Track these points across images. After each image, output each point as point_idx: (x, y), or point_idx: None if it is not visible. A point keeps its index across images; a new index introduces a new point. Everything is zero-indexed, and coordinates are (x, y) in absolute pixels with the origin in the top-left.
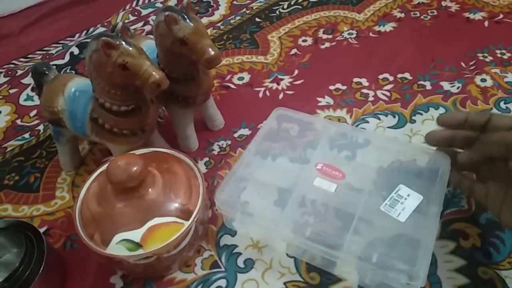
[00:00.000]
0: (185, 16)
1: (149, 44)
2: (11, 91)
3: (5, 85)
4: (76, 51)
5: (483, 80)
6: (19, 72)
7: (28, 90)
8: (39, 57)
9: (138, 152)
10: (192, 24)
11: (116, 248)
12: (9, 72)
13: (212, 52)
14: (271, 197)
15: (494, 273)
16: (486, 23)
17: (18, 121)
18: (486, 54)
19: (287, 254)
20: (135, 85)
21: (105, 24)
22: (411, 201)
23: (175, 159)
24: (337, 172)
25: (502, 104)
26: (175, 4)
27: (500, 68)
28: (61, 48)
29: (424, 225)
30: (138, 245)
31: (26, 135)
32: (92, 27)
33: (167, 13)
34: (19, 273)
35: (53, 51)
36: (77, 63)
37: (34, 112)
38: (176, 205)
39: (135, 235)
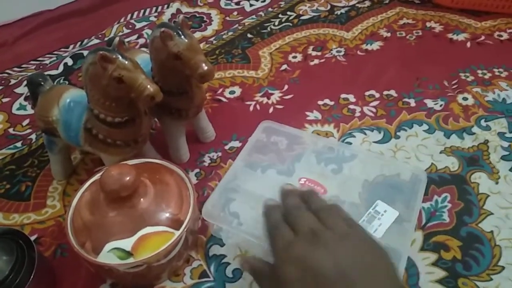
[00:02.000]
0: (180, 33)
1: (143, 58)
2: (4, 100)
3: None
4: (70, 62)
5: (465, 99)
6: (13, 81)
7: (21, 99)
8: (33, 67)
9: (131, 162)
10: (186, 40)
11: (107, 256)
12: (3, 81)
13: (206, 67)
14: (260, 209)
15: (474, 284)
16: (468, 44)
17: (11, 130)
18: (468, 74)
19: None
20: (130, 97)
21: (100, 36)
22: (387, 217)
23: (167, 170)
24: (320, 187)
25: (482, 122)
26: (169, 19)
27: (481, 87)
28: (55, 58)
29: (400, 238)
30: (129, 254)
31: (18, 144)
32: (86, 38)
33: (162, 29)
34: (9, 281)
35: (47, 62)
36: (71, 74)
37: (27, 121)
38: (167, 214)
39: (127, 243)
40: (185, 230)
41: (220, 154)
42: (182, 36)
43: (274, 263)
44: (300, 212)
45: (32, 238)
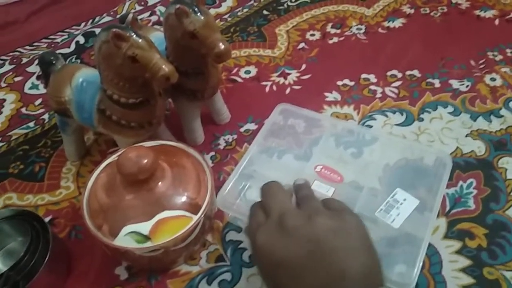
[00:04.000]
0: (196, 10)
1: (157, 36)
2: (16, 79)
3: (10, 73)
4: (82, 40)
5: (493, 79)
6: (24, 60)
7: (33, 79)
8: (45, 45)
9: (147, 144)
10: (202, 18)
11: (124, 240)
12: (14, 60)
13: (222, 47)
14: None
15: (500, 274)
16: (496, 22)
17: (23, 110)
18: (496, 53)
19: None
20: (144, 77)
21: (111, 13)
22: (406, 206)
23: (184, 153)
24: (336, 175)
25: (511, 104)
26: None
27: (510, 67)
28: (66, 36)
29: (421, 225)
30: (147, 238)
31: (31, 124)
32: (98, 16)
33: (178, 5)
34: (24, 262)
35: (59, 40)
36: (83, 52)
37: (39, 100)
38: (185, 199)
39: (144, 227)
40: (203, 215)
41: (235, 136)
42: (199, 13)
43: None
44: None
45: (47, 219)
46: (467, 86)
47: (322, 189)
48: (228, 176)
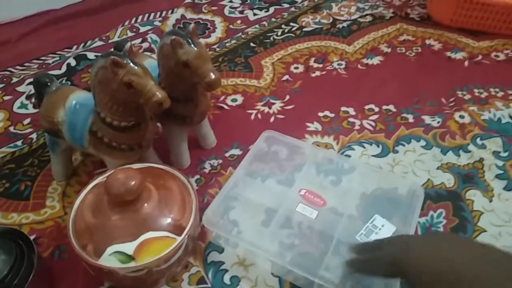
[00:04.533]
0: (190, 41)
1: (150, 63)
2: (6, 98)
3: (0, 92)
4: (73, 62)
5: (462, 117)
6: (14, 79)
7: (22, 98)
8: (36, 66)
9: (135, 166)
10: (196, 49)
11: (108, 259)
12: (4, 79)
13: (213, 76)
14: (259, 217)
15: None
16: (466, 63)
17: (11, 128)
18: (465, 92)
19: (272, 274)
20: (138, 102)
21: (103, 38)
22: (385, 231)
23: (170, 175)
24: (319, 199)
25: (478, 140)
26: (174, 25)
27: (477, 106)
28: (58, 58)
29: None
30: (131, 258)
31: (19, 143)
32: (90, 40)
33: (173, 37)
34: (8, 280)
35: (50, 61)
36: (74, 75)
37: (28, 120)
38: (170, 220)
39: (129, 247)
40: (187, 236)
41: (220, 161)
42: (192, 45)
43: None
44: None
45: (31, 238)
46: (438, 122)
47: (306, 212)
48: (213, 199)
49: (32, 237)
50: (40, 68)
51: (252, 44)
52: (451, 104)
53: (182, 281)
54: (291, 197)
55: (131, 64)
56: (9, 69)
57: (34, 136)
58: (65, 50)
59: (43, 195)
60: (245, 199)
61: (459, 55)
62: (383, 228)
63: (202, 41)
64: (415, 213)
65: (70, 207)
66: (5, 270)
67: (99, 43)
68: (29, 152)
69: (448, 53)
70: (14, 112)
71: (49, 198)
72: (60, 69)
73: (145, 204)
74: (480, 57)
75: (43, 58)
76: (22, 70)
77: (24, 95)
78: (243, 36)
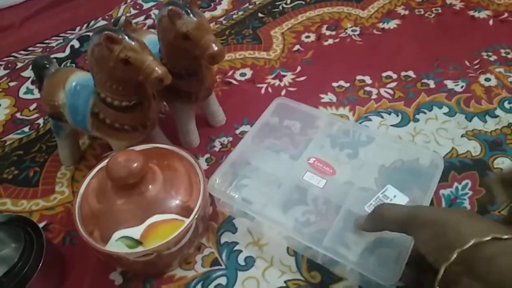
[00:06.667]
0: (189, 11)
1: (151, 39)
2: (11, 84)
3: (5, 78)
4: (77, 44)
5: (487, 80)
6: (19, 64)
7: (28, 83)
8: (40, 50)
9: (139, 148)
10: (195, 19)
11: (115, 245)
12: (9, 65)
13: (216, 48)
14: (273, 194)
15: None
16: (490, 22)
17: (18, 115)
18: (490, 53)
19: (287, 252)
20: (137, 80)
21: (106, 17)
22: (396, 203)
23: (176, 156)
24: (328, 168)
25: (506, 104)
26: None
27: (504, 67)
28: (61, 41)
29: None
30: (138, 242)
31: (26, 129)
32: (93, 20)
33: (170, 7)
34: (18, 268)
35: (54, 44)
36: (78, 57)
37: (34, 105)
38: (177, 202)
39: (135, 232)
40: (195, 217)
41: (231, 138)
42: (191, 15)
43: None
44: None
45: (41, 225)
46: (462, 87)
47: (314, 181)
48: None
49: (42, 224)
50: (44, 52)
51: (260, 15)
52: (476, 67)
53: (195, 263)
54: (299, 165)
55: (127, 39)
56: (13, 54)
57: (41, 121)
58: (68, 32)
59: (52, 181)
60: (258, 174)
61: (483, 14)
62: (394, 199)
63: (207, 14)
64: (432, 183)
65: (76, 192)
66: (15, 258)
67: (102, 22)
68: (36, 138)
69: (471, 12)
70: (20, 97)
71: (58, 183)
72: (64, 51)
73: (150, 186)
74: (506, 14)
75: (46, 41)
76: (26, 54)
77: (29, 80)
78: (250, 6)
